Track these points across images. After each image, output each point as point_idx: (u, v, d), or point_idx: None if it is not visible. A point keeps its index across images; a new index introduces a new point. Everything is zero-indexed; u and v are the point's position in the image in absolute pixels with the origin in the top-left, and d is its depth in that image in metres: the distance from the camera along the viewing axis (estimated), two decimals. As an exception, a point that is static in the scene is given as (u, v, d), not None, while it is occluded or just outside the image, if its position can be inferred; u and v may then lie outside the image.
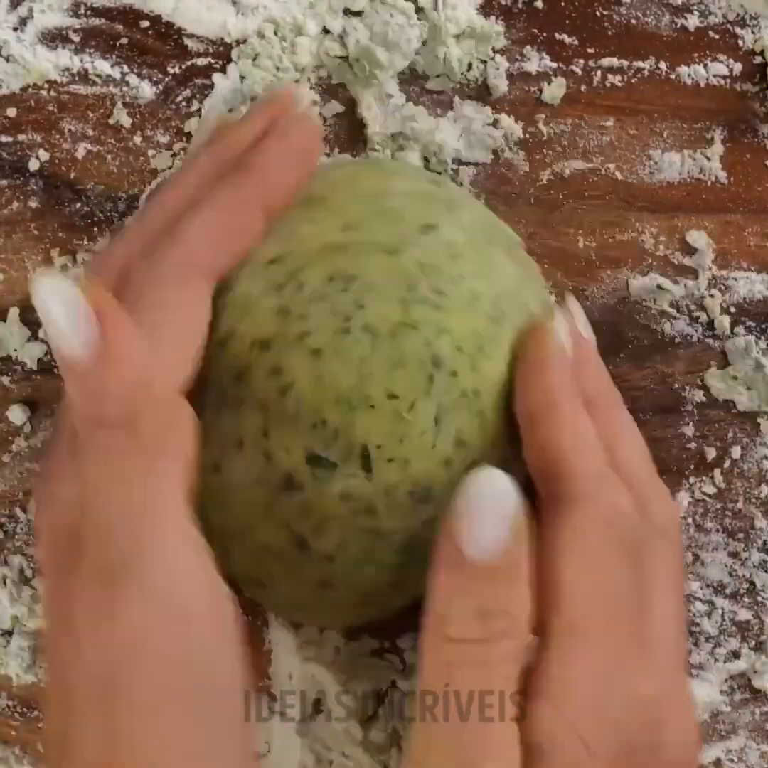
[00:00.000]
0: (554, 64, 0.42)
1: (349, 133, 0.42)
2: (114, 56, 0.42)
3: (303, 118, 0.37)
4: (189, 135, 0.42)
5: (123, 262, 0.35)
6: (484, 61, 0.42)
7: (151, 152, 0.42)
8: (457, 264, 0.35)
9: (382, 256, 0.35)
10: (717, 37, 0.42)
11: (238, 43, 0.42)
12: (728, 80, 0.42)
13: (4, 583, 0.42)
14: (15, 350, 0.42)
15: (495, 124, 0.42)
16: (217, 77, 0.42)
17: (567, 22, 0.42)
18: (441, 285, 0.35)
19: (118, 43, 0.42)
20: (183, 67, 0.42)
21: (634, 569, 0.34)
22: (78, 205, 0.42)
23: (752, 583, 0.42)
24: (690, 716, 0.35)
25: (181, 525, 0.32)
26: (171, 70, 0.42)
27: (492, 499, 0.31)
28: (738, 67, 0.42)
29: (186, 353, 0.34)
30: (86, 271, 0.36)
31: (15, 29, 0.42)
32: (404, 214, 0.36)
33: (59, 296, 0.31)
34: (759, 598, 0.42)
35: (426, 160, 0.42)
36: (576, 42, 0.42)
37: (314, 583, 0.36)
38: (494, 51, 0.42)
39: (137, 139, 0.42)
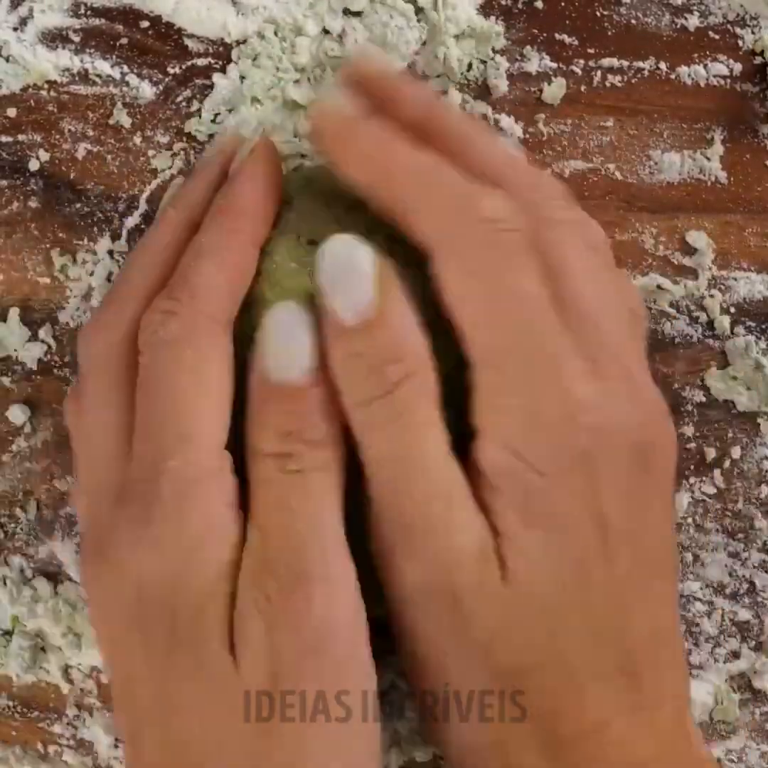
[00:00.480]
0: (554, 64, 0.42)
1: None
2: (114, 56, 0.42)
3: (258, 150, 0.37)
4: (189, 135, 0.42)
5: (129, 318, 0.35)
6: (484, 61, 0.42)
7: (151, 152, 0.42)
8: None
9: (418, 271, 0.35)
10: (717, 37, 0.42)
11: (238, 43, 0.42)
12: (728, 80, 0.42)
13: (4, 583, 0.42)
14: (15, 350, 0.42)
15: (495, 124, 0.42)
16: (217, 77, 0.42)
17: (567, 22, 0.42)
18: None
19: (118, 43, 0.42)
20: (183, 67, 0.42)
21: (535, 265, 0.33)
22: (78, 205, 0.42)
23: (752, 584, 0.42)
24: (643, 405, 0.34)
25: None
26: (171, 71, 0.42)
27: (347, 265, 0.33)
28: (738, 67, 0.42)
29: (225, 415, 0.34)
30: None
31: (15, 29, 0.42)
32: None
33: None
34: (759, 599, 0.42)
35: None
36: (576, 42, 0.42)
37: None
38: (494, 51, 0.42)
39: (137, 140, 0.42)
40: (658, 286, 0.42)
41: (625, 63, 0.42)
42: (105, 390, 0.35)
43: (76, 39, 0.42)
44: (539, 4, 0.42)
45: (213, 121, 0.42)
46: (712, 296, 0.42)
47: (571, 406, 0.32)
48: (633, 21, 0.42)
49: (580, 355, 0.33)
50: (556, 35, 0.42)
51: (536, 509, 0.32)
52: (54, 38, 0.42)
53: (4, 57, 0.42)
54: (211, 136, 0.42)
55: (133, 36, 0.42)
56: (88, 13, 0.42)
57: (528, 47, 0.42)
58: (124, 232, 0.42)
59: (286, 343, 0.33)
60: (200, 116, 0.42)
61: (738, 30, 0.42)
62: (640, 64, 0.42)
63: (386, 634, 0.41)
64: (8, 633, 0.42)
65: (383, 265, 0.33)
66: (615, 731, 0.32)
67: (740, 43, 0.42)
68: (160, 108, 0.42)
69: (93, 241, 0.42)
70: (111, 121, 0.42)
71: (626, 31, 0.42)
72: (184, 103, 0.42)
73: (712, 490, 0.42)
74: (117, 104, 0.42)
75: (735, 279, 0.42)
